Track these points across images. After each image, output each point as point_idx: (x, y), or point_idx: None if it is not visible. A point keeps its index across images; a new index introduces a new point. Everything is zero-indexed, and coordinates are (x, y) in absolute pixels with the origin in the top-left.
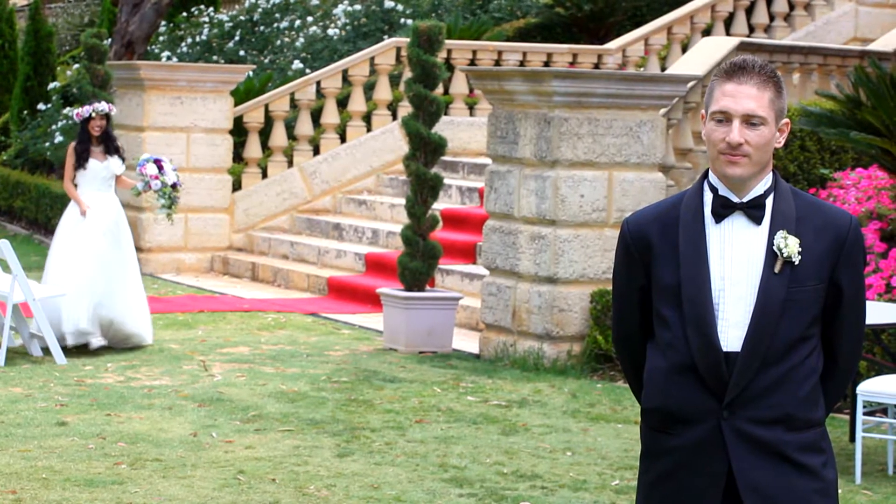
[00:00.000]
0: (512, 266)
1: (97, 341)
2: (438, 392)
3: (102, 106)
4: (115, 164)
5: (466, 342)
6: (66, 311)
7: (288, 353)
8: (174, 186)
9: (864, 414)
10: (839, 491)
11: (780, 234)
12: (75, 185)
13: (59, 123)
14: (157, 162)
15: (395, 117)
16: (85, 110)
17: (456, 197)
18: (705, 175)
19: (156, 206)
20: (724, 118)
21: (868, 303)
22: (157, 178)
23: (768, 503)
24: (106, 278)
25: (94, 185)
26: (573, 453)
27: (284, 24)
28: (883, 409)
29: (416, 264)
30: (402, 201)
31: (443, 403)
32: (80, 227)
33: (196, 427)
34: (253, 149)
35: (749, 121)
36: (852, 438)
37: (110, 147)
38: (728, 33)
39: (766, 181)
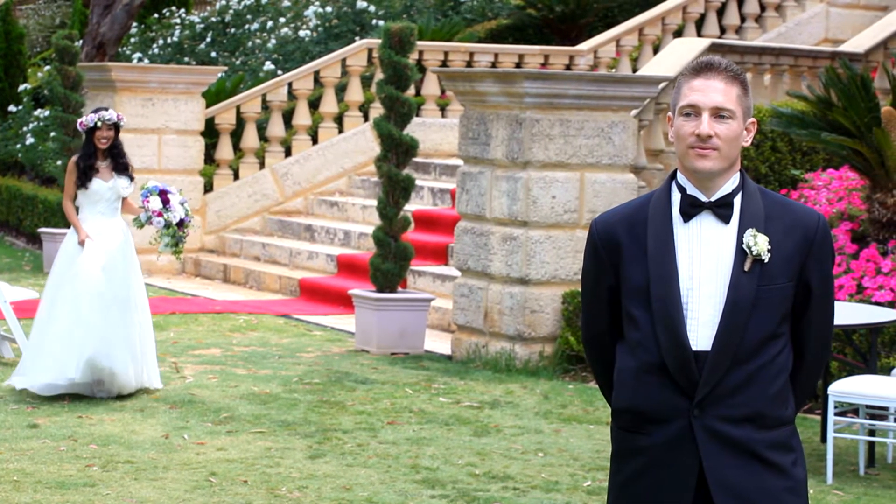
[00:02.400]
0: (484, 267)
1: (94, 392)
2: (410, 393)
3: (110, 114)
4: (122, 184)
5: (438, 343)
6: (54, 359)
7: (260, 355)
8: (181, 224)
9: (836, 414)
10: (810, 491)
11: (750, 232)
12: (76, 207)
13: (31, 125)
14: (163, 194)
15: (366, 119)
16: (89, 119)
17: (428, 198)
18: (673, 175)
19: (159, 241)
20: (693, 112)
21: (839, 303)
22: (160, 215)
23: (739, 501)
24: (104, 322)
25: (98, 207)
26: (545, 454)
27: (256, 25)
28: (854, 410)
29: (388, 266)
30: (374, 203)
31: (415, 405)
32: (79, 260)
33: (168, 429)
34: (224, 150)
35: (718, 114)
36: (823, 439)
37: (118, 164)
38: (699, 34)
39: (733, 180)
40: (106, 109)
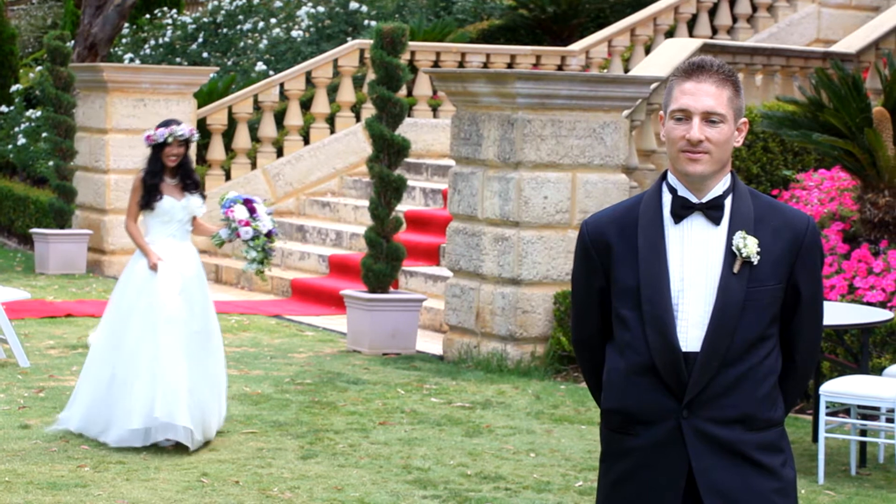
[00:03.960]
0: (475, 268)
1: (192, 440)
2: (402, 394)
3: (182, 130)
4: (194, 203)
5: (430, 344)
6: (138, 402)
7: (251, 356)
8: (269, 235)
9: (827, 414)
10: (802, 491)
11: (739, 234)
12: (139, 228)
13: (22, 126)
14: (248, 203)
15: (358, 119)
16: (159, 134)
17: (419, 199)
18: (664, 176)
19: (244, 256)
20: (684, 116)
21: (830, 304)
22: (247, 224)
23: (728, 503)
24: (187, 358)
25: (170, 228)
26: (537, 454)
27: (248, 26)
28: (846, 410)
29: (380, 266)
30: (366, 203)
31: (406, 405)
32: (153, 286)
33: None
34: (216, 151)
35: (709, 118)
36: (815, 439)
37: (189, 182)
38: (691, 35)
39: (724, 182)
40: (178, 123)
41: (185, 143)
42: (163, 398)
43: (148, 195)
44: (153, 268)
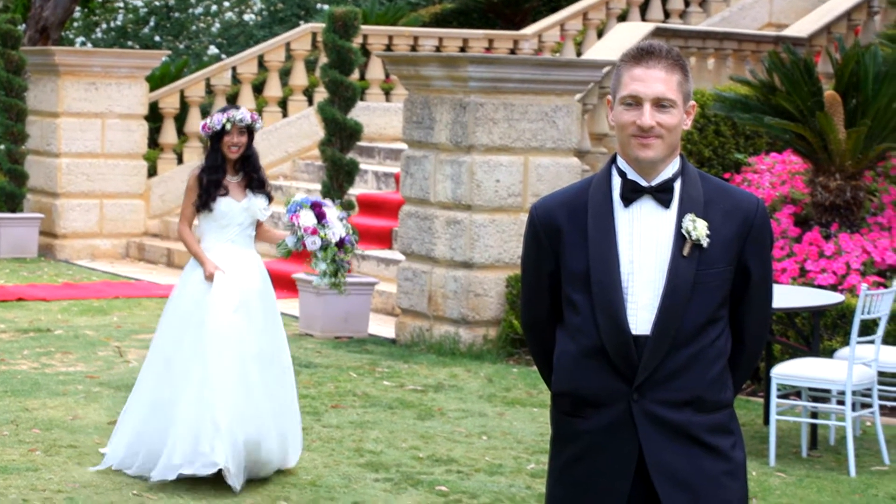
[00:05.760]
0: (428, 251)
1: (233, 480)
2: (354, 377)
3: (242, 114)
4: (258, 204)
5: (382, 327)
6: (181, 431)
7: None
8: (341, 244)
9: (779, 397)
10: (753, 472)
11: (689, 217)
12: (196, 233)
13: None
14: (316, 207)
15: (310, 103)
16: (216, 120)
17: (372, 182)
18: (613, 159)
19: (315, 269)
20: (634, 102)
21: (782, 287)
22: (314, 232)
23: (678, 485)
24: (242, 384)
25: (228, 233)
26: (489, 437)
27: (200, 9)
28: (797, 392)
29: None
30: (318, 187)
31: (359, 388)
32: (207, 300)
33: (112, 414)
34: (168, 134)
35: (659, 103)
36: (766, 421)
37: (253, 178)
38: (644, 19)
39: (674, 165)
40: (237, 108)
41: (248, 130)
42: (208, 430)
43: (206, 194)
44: (209, 278)
